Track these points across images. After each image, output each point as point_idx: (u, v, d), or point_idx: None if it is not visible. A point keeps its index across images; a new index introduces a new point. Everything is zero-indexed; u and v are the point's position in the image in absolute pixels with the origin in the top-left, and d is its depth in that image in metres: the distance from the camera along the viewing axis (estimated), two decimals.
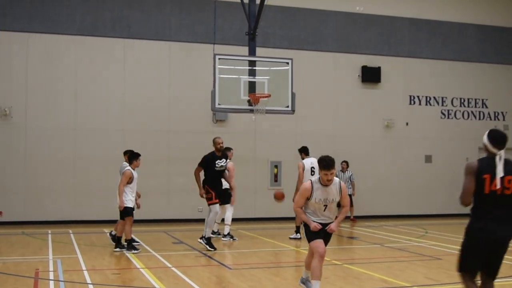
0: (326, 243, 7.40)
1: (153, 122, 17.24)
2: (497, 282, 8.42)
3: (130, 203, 11.17)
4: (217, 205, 11.50)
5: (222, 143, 11.85)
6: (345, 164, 17.78)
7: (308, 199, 7.24)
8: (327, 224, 7.29)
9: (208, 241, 11.32)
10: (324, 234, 7.27)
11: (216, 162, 11.65)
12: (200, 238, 11.59)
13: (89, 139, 16.73)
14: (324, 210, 7.29)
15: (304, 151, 13.65)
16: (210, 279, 8.88)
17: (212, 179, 11.61)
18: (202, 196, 11.64)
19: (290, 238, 13.33)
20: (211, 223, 11.49)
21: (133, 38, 17.42)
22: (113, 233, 12.11)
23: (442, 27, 20.39)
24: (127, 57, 17.34)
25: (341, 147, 18.59)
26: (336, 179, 7.29)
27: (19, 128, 16.31)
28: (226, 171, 12.25)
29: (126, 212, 11.14)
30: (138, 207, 11.70)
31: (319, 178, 7.26)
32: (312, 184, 7.25)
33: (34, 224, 15.85)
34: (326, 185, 7.19)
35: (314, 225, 7.18)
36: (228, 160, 12.17)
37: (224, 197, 12.54)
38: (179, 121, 17.40)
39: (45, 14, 16.72)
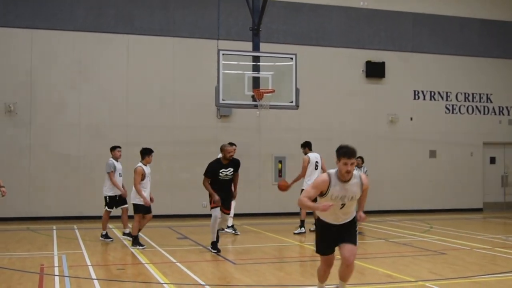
0: (348, 240, 6.37)
1: (157, 118, 17.25)
2: (496, 277, 8.45)
3: (140, 201, 11.12)
4: (218, 209, 10.77)
5: (232, 152, 10.90)
6: (360, 160, 16.96)
7: (322, 194, 6.19)
8: (340, 226, 6.36)
9: (214, 245, 10.83)
10: (341, 238, 6.39)
11: (221, 171, 10.75)
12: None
13: (93, 135, 16.75)
14: (341, 208, 6.25)
15: (307, 146, 13.63)
16: (215, 274, 8.89)
17: (215, 187, 10.71)
18: (219, 203, 10.67)
19: (295, 233, 13.33)
20: (213, 229, 10.82)
21: (137, 34, 17.43)
22: (104, 233, 12.13)
23: (446, 21, 20.33)
24: (131, 53, 17.34)
25: (345, 142, 18.54)
26: (355, 173, 6.30)
27: (24, 124, 16.35)
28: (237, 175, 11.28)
29: (136, 209, 11.14)
30: (152, 201, 11.54)
31: (337, 171, 6.19)
32: (330, 177, 6.16)
33: (39, 220, 15.90)
34: (345, 181, 6.15)
35: (324, 205, 6.01)
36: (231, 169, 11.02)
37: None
38: (183, 117, 17.41)
39: (49, 11, 16.73)
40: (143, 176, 11.00)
